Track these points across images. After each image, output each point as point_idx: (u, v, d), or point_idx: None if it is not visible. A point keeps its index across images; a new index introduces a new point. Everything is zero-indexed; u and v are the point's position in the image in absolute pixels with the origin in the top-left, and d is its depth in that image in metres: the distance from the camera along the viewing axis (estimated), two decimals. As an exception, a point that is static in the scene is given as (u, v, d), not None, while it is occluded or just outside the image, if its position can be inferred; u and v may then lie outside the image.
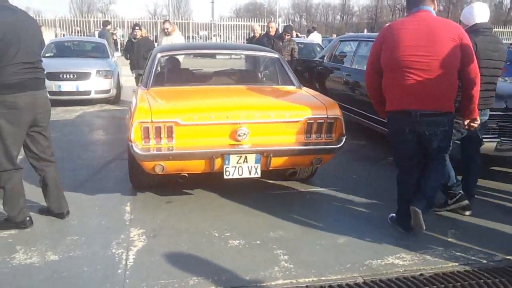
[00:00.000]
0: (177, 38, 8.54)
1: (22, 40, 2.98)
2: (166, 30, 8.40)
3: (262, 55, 4.66)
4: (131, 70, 8.72)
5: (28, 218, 3.27)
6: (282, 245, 3.14)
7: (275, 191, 4.23)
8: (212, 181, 4.17)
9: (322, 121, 3.56)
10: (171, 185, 4.10)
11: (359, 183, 4.55)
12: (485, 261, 3.00)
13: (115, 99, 8.97)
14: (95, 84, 8.46)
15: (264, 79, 4.60)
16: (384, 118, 3.45)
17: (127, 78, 10.26)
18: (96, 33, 17.19)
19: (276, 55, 4.56)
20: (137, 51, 8.33)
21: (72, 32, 23.78)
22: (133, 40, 8.58)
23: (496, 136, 4.32)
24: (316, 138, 3.61)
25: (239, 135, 3.43)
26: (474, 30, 3.62)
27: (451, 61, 3.04)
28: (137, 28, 8.63)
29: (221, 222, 3.52)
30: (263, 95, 4.01)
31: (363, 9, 67.49)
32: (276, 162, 3.57)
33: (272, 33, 8.40)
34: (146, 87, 4.01)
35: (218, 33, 28.27)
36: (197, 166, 3.49)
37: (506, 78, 5.52)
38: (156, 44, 9.25)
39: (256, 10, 62.64)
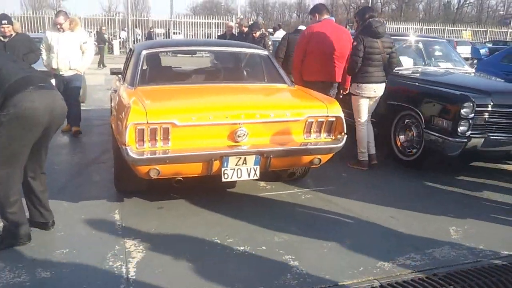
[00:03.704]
0: (83, 36, 6.00)
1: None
2: (59, 26, 5.71)
3: (252, 52, 4.50)
4: None
5: (29, 233, 2.99)
6: (289, 250, 3.01)
7: (268, 192, 4.09)
8: (202, 184, 3.98)
9: (323, 120, 3.45)
10: (159, 189, 3.88)
11: (349, 181, 4.50)
12: (493, 258, 2.99)
13: (81, 99, 8.50)
14: (59, 83, 7.94)
15: (255, 77, 4.45)
16: (297, 83, 4.72)
17: (91, 76, 9.82)
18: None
19: (265, 52, 4.41)
20: (12, 54, 5.27)
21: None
22: (2, 39, 5.65)
23: (483, 132, 4.36)
24: (316, 137, 3.50)
25: (238, 136, 3.27)
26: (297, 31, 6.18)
27: (346, 53, 4.81)
28: (4, 22, 5.58)
29: (219, 227, 3.34)
30: (260, 94, 3.85)
31: (318, 8, 68.25)
32: (276, 163, 3.43)
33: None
34: (132, 86, 3.76)
35: (178, 31, 27.66)
36: (194, 169, 3.29)
37: (493, 77, 5.65)
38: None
39: (213, 8, 62.18)
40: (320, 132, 3.51)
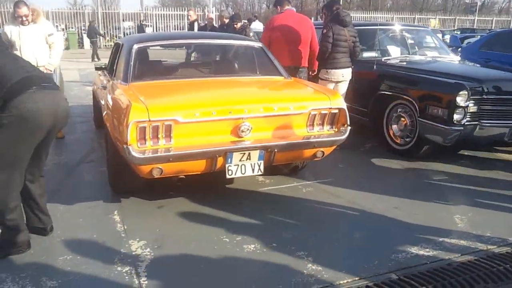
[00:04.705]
0: (47, 27, 5.30)
1: None
2: (24, 18, 4.98)
3: (246, 45, 4.39)
4: None
5: (29, 240, 2.83)
6: (300, 246, 2.95)
7: (267, 187, 4.02)
8: (200, 181, 3.88)
9: (326, 112, 3.39)
10: (156, 187, 3.76)
11: (347, 172, 4.48)
12: (501, 245, 3.01)
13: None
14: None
15: (251, 69, 4.34)
16: None
17: (67, 72, 9.50)
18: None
19: (259, 44, 4.32)
20: None
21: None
22: None
23: (476, 119, 4.40)
24: (319, 130, 3.44)
25: (242, 131, 3.18)
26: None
27: (308, 40, 5.24)
28: None
29: (224, 225, 3.25)
30: (260, 87, 3.76)
31: (288, -2, 68.10)
32: (280, 157, 3.36)
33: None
34: (126, 82, 3.60)
35: (148, 24, 27.01)
36: (198, 167, 3.19)
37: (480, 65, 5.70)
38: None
39: (182, 0, 61.23)
40: (323, 124, 3.45)
